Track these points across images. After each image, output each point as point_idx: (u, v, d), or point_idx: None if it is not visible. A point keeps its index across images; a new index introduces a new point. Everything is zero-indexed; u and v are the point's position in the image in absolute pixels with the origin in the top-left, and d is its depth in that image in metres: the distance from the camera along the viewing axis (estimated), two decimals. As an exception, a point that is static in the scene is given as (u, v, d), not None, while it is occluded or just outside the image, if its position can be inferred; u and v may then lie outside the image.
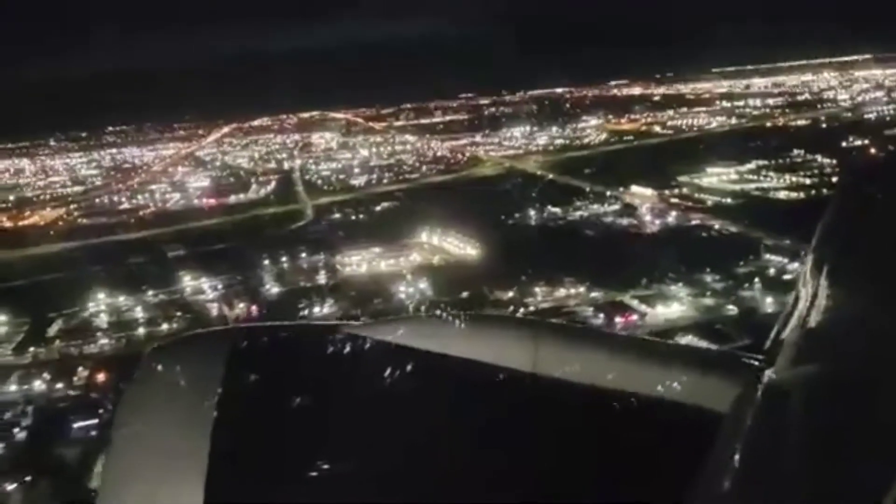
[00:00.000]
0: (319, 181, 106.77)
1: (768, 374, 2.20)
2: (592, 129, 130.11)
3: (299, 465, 2.28)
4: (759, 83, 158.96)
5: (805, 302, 2.48)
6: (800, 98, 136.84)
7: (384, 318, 2.83)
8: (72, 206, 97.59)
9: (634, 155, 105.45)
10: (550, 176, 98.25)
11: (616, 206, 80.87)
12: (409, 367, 2.53)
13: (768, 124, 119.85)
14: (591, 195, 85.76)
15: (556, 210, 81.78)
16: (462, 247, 71.64)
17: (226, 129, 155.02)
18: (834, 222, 3.02)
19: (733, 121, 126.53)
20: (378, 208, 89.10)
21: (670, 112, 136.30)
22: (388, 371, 2.53)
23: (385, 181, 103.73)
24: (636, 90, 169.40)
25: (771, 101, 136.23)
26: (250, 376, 2.47)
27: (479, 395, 2.52)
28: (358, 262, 69.33)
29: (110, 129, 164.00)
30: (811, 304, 2.43)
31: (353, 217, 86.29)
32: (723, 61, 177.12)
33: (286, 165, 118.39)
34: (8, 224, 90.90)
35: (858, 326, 2.26)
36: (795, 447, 1.78)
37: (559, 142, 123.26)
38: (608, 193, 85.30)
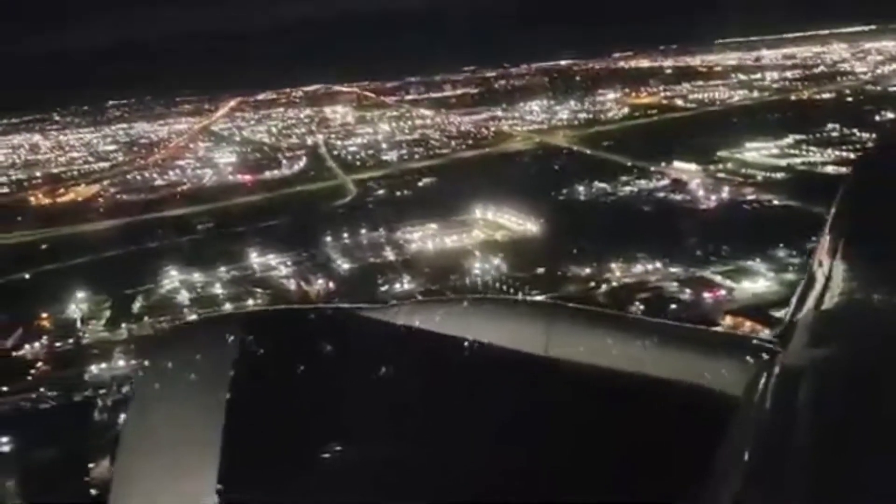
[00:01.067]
0: (349, 157, 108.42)
1: (782, 357, 2.26)
2: (612, 102, 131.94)
3: (311, 447, 2.39)
4: (769, 55, 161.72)
5: (819, 284, 2.56)
6: (816, 70, 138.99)
7: (395, 302, 3.04)
8: (105, 183, 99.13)
9: (664, 129, 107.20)
10: (588, 151, 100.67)
11: (665, 182, 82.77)
12: (421, 350, 2.64)
13: (792, 97, 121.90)
14: (635, 170, 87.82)
15: (604, 185, 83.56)
16: (520, 222, 73.72)
17: (232, 104, 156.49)
18: (850, 201, 3.20)
19: (755, 94, 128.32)
20: (420, 184, 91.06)
21: (687, 85, 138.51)
22: (399, 354, 2.65)
23: (417, 157, 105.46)
24: (644, 62, 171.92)
25: (788, 74, 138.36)
26: (261, 360, 2.54)
27: (492, 377, 2.60)
28: (420, 239, 71.34)
29: (111, 102, 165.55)
30: (825, 287, 2.51)
31: (398, 193, 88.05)
32: (723, 33, 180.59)
33: (309, 141, 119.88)
34: (46, 201, 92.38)
35: (873, 310, 2.35)
36: (808, 432, 1.84)
37: (582, 116, 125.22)
38: (651, 169, 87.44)
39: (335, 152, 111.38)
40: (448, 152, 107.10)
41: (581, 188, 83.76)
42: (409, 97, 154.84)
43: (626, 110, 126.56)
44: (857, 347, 2.13)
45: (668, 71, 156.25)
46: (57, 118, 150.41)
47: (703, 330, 2.94)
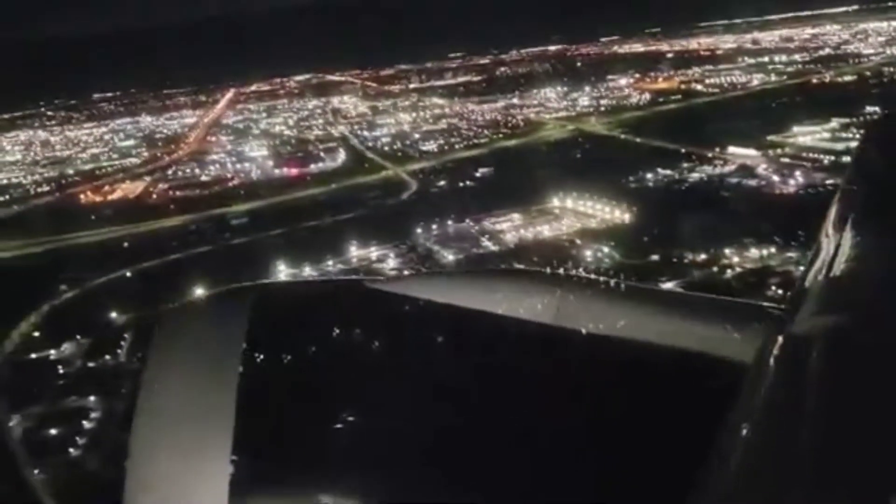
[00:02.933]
0: (385, 148, 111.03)
1: (792, 324, 2.30)
2: (628, 88, 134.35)
3: (324, 418, 2.50)
4: (765, 38, 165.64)
5: (829, 250, 2.61)
6: (823, 53, 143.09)
7: (404, 274, 4.65)
8: (148, 179, 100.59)
9: (696, 115, 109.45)
10: (632, 139, 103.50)
11: (732, 167, 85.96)
12: (431, 322, 2.76)
13: (814, 81, 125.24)
14: (693, 157, 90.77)
15: (669, 172, 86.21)
16: (605, 210, 76.55)
17: (230, 95, 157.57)
18: (862, 168, 3.35)
19: (773, 77, 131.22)
20: (478, 175, 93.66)
21: (697, 70, 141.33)
22: (411, 325, 2.80)
23: (457, 147, 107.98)
24: (638, 47, 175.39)
25: (797, 57, 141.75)
26: (273, 332, 2.66)
27: (502, 348, 2.73)
28: (513, 228, 74.15)
29: (97, 96, 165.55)
30: (836, 253, 2.56)
31: (461, 184, 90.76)
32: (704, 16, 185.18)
33: (334, 133, 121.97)
34: (98, 199, 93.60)
35: (885, 276, 2.43)
36: (817, 400, 1.89)
37: (604, 103, 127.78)
38: (709, 155, 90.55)
39: (368, 144, 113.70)
40: (486, 142, 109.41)
41: (647, 175, 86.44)
42: (412, 86, 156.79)
43: (647, 96, 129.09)
44: (867, 315, 2.21)
45: (670, 55, 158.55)
46: (50, 112, 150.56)
47: (713, 298, 3.10)
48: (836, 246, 2.61)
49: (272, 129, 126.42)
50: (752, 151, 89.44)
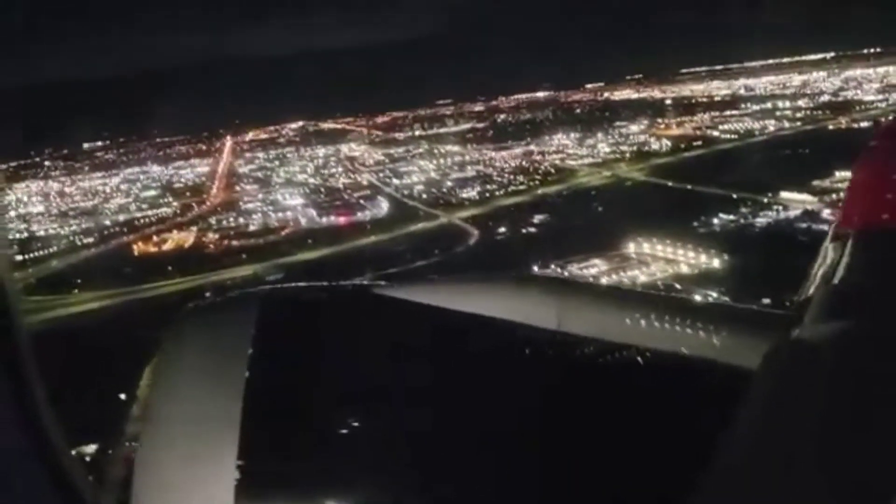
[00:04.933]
0: (424, 196, 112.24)
1: (797, 330, 2.32)
2: (642, 135, 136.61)
3: (330, 423, 2.56)
4: (757, 84, 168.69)
5: (836, 256, 2.65)
6: (823, 99, 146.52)
7: (410, 279, 3.29)
8: (194, 229, 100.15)
9: (726, 161, 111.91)
10: (683, 186, 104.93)
11: (796, 212, 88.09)
12: (436, 328, 2.84)
13: (830, 127, 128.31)
14: (748, 202, 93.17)
15: (731, 217, 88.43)
16: (688, 256, 78.21)
17: (230, 143, 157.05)
18: (868, 174, 3.40)
19: (786, 124, 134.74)
20: (535, 220, 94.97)
21: (705, 116, 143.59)
22: (416, 331, 2.86)
23: (499, 194, 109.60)
24: (629, 93, 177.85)
25: (801, 103, 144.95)
26: (281, 337, 2.72)
27: (505, 354, 2.81)
28: (602, 273, 75.33)
29: (87, 145, 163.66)
30: (841, 259, 2.60)
31: (523, 231, 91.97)
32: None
33: (363, 181, 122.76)
34: (151, 249, 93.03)
35: (891, 283, 2.44)
36: (824, 407, 1.92)
37: (625, 149, 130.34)
38: (764, 200, 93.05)
39: (404, 192, 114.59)
40: (525, 189, 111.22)
41: (713, 220, 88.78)
42: (417, 133, 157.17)
43: (666, 143, 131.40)
44: (873, 321, 2.22)
45: (668, 102, 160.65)
46: (48, 162, 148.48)
47: (717, 303, 3.32)
48: (841, 252, 2.68)
49: (294, 178, 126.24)
50: (806, 196, 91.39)
